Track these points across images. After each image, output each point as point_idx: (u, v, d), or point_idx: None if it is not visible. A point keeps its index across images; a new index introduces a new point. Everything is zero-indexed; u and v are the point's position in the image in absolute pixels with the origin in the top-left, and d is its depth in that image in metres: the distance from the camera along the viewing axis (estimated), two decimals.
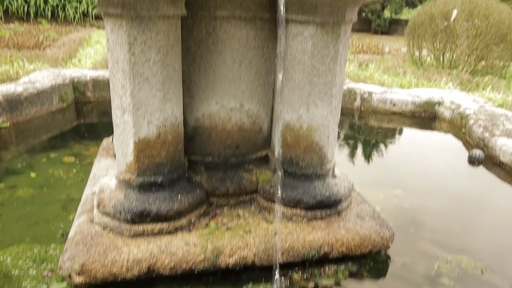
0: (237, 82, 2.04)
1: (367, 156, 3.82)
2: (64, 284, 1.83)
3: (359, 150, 3.99)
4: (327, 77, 1.94)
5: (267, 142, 2.27)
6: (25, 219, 2.42)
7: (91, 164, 2.88)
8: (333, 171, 2.21)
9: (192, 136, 2.10)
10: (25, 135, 3.87)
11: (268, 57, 2.07)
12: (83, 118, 4.58)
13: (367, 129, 4.65)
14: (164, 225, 1.88)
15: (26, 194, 2.74)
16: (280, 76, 1.98)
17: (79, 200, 2.26)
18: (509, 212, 2.80)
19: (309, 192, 2.05)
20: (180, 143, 1.95)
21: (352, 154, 3.83)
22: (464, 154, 3.75)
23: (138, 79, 1.71)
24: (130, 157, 1.84)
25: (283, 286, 1.90)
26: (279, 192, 2.04)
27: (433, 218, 2.60)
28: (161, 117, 1.81)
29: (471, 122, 4.04)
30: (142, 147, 1.82)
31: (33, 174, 3.05)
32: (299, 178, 2.09)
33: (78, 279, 1.70)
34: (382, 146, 4.11)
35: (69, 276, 1.71)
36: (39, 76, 4.50)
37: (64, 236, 2.21)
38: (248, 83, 2.06)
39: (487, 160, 3.53)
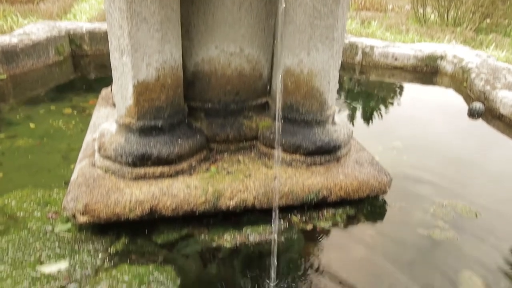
0: (237, 26, 1.99)
1: (367, 110, 3.81)
2: (69, 225, 1.87)
3: (359, 105, 3.97)
4: (328, 20, 1.90)
5: (267, 89, 2.25)
6: (26, 168, 2.44)
7: (90, 115, 2.87)
8: (333, 118, 2.21)
9: (191, 82, 2.08)
10: (22, 87, 3.83)
11: (269, 0, 2.01)
12: (81, 72, 4.51)
13: (368, 84, 4.61)
14: (165, 169, 1.90)
15: (26, 144, 2.75)
16: (281, 18, 1.93)
17: (80, 149, 2.27)
18: (506, 162, 2.83)
19: (308, 138, 2.06)
20: (179, 87, 1.93)
21: (352, 109, 3.82)
22: (465, 108, 3.74)
23: (136, 19, 1.67)
24: (129, 100, 1.83)
25: (282, 228, 1.95)
26: (280, 129, 2.04)
27: (431, 168, 2.63)
28: (160, 59, 1.78)
29: (473, 75, 4.00)
30: (141, 90, 1.81)
31: (32, 125, 3.05)
32: (299, 124, 2.09)
33: (82, 219, 1.74)
34: (382, 100, 4.09)
35: (73, 216, 1.75)
36: (34, 28, 4.39)
37: (67, 183, 2.25)
38: (248, 27, 2.01)
39: (487, 113, 3.53)
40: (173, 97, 1.90)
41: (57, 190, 2.14)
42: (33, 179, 2.29)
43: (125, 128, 1.88)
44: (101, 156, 1.92)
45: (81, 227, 1.85)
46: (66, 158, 2.59)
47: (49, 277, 1.58)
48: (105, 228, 1.83)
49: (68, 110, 3.35)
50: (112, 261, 1.68)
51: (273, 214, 1.77)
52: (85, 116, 3.22)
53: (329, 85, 2.05)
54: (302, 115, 2.08)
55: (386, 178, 2.11)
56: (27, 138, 2.83)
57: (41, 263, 1.65)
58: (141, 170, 1.87)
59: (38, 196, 2.08)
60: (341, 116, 2.39)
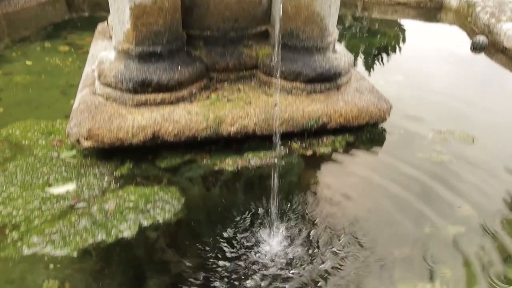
0: None
1: (369, 46, 3.74)
2: (74, 151, 1.91)
3: (362, 41, 3.90)
4: None
5: (267, 16, 2.20)
6: (26, 103, 2.44)
7: (87, 53, 2.82)
8: (334, 45, 2.18)
9: (189, 8, 2.03)
10: (16, 25, 3.74)
11: None
12: (75, 11, 4.38)
13: (370, 21, 4.49)
14: (166, 95, 1.90)
15: (24, 81, 2.74)
16: None
17: (78, 85, 2.26)
18: (505, 94, 2.83)
19: (309, 65, 2.04)
20: (177, 12, 1.89)
21: (354, 44, 3.75)
22: (468, 43, 3.67)
23: None
24: (127, 24, 1.79)
25: (283, 153, 2.00)
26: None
27: (431, 100, 2.64)
28: None
29: (478, 9, 3.88)
30: (138, 14, 1.77)
31: (29, 62, 3.01)
32: (299, 51, 2.07)
33: (86, 144, 1.77)
34: (385, 37, 4.00)
35: (77, 141, 1.78)
36: None
37: (68, 116, 2.26)
38: None
39: (490, 47, 3.47)
40: (171, 21, 1.86)
41: (59, 121, 2.16)
42: (34, 114, 2.30)
43: (124, 54, 1.86)
44: (101, 83, 1.91)
45: (85, 154, 1.89)
46: (65, 94, 2.59)
47: (58, 197, 1.64)
48: (110, 154, 1.87)
49: (64, 48, 3.29)
50: (118, 183, 1.74)
51: (274, 135, 1.80)
52: (82, 54, 3.17)
53: (330, 9, 2.00)
54: (302, 42, 2.05)
55: (386, 105, 2.12)
56: (25, 75, 2.81)
57: (50, 185, 1.70)
58: (142, 97, 1.87)
59: (41, 126, 2.10)
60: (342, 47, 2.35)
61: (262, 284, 1.33)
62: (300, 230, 1.55)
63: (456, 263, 1.42)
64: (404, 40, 3.94)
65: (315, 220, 1.60)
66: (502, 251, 1.48)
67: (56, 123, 2.13)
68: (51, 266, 1.36)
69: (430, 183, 1.82)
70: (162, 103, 1.91)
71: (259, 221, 1.58)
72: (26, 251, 1.40)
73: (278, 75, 1.98)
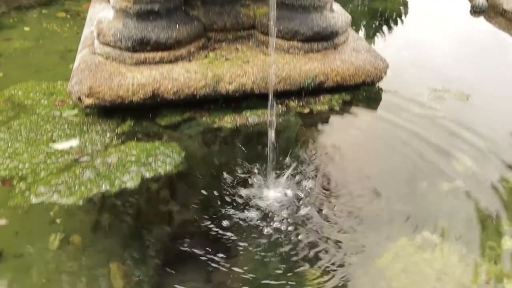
0: None
1: (368, 11, 3.72)
2: (76, 110, 1.95)
3: (360, 4, 3.86)
4: None
5: None
6: (26, 68, 2.46)
7: (84, 19, 2.82)
8: (331, 4, 2.18)
9: None
10: None
11: None
12: None
13: None
14: (165, 54, 1.92)
15: (23, 46, 2.74)
16: None
17: (77, 50, 2.27)
18: (502, 56, 2.84)
19: (306, 23, 2.06)
20: None
21: (352, 8, 3.72)
22: (468, 6, 3.64)
23: None
24: None
25: (280, 111, 2.03)
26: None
27: (429, 61, 2.65)
28: None
29: None
30: None
31: (27, 28, 3.01)
32: (296, 10, 2.08)
33: (87, 101, 1.81)
34: (384, 0, 3.96)
35: (79, 99, 1.82)
36: None
37: (68, 79, 2.28)
38: None
39: (490, 9, 3.45)
40: None
41: (60, 83, 2.19)
42: (34, 77, 2.31)
43: (122, 13, 1.88)
44: (101, 42, 1.93)
45: (87, 112, 1.93)
46: (64, 58, 2.60)
47: (63, 152, 1.69)
48: (111, 112, 1.91)
49: (61, 14, 3.28)
50: (120, 139, 1.79)
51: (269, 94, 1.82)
52: (79, 20, 3.16)
53: None
54: (300, 0, 2.05)
55: (382, 64, 2.15)
56: (23, 41, 2.82)
57: (54, 141, 1.75)
58: (141, 55, 1.90)
59: (42, 87, 2.13)
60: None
61: (265, 231, 1.39)
62: (296, 180, 1.61)
63: (453, 216, 1.48)
64: (404, 4, 3.91)
65: (311, 172, 1.66)
66: (497, 205, 1.53)
67: (57, 85, 2.16)
68: (58, 216, 1.43)
69: (426, 138, 1.86)
70: (161, 61, 1.93)
71: (258, 173, 1.63)
72: (34, 200, 1.46)
73: (274, 32, 2.00)
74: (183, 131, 1.88)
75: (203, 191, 1.55)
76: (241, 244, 1.35)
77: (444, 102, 2.14)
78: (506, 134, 1.92)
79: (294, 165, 1.67)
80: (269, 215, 1.45)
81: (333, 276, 1.26)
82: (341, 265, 1.29)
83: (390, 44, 2.97)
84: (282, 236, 1.38)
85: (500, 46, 3.03)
